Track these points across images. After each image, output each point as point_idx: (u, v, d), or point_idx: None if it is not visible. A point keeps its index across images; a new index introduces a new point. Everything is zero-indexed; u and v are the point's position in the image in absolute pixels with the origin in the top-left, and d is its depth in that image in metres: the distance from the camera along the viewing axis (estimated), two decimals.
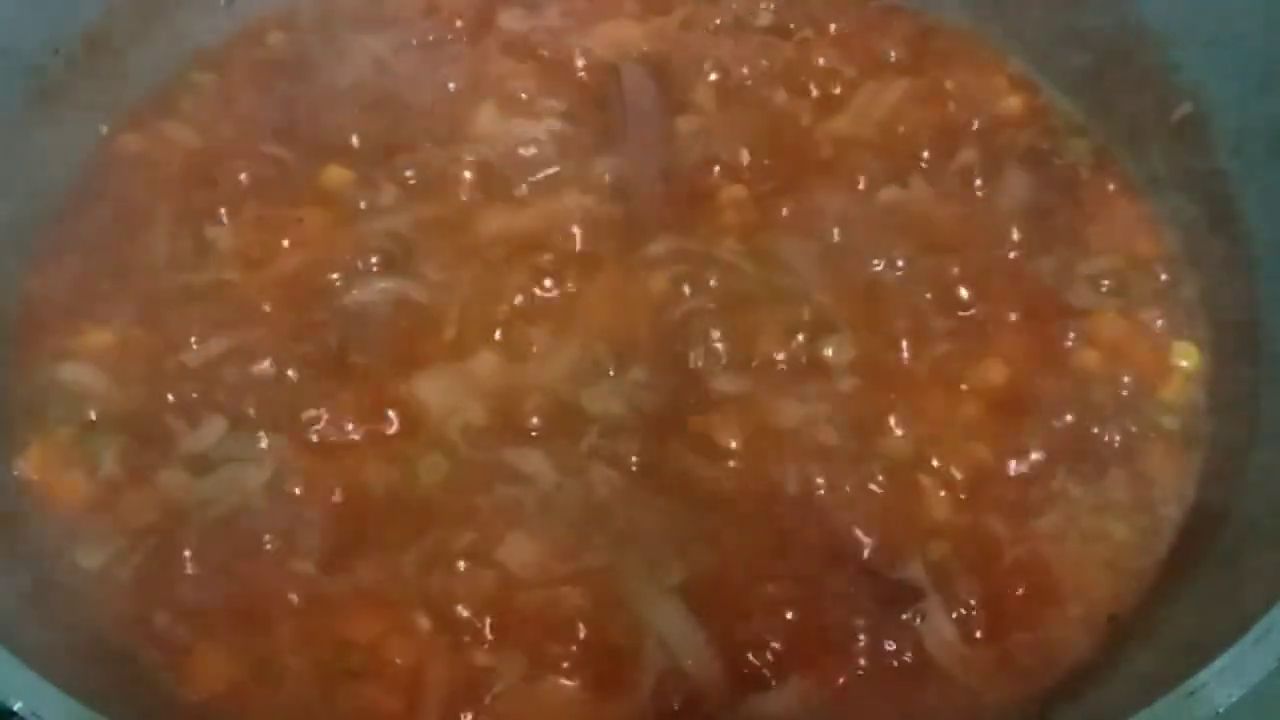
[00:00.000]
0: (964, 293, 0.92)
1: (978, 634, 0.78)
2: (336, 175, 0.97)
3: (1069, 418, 0.86)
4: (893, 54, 1.06)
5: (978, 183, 0.97)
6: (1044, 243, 0.95)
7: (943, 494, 0.83)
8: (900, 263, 0.93)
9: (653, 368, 0.87)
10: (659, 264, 0.92)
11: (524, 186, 0.97)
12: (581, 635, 0.77)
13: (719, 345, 0.88)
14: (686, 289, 0.91)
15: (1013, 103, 1.04)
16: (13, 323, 0.90)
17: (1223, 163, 0.95)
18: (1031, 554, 0.82)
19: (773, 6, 1.08)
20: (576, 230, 0.94)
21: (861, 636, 0.77)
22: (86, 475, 0.84)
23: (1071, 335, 0.90)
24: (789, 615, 0.78)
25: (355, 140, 0.99)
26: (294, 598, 0.79)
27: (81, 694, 0.64)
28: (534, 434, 0.85)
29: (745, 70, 1.04)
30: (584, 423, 0.85)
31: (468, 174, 0.97)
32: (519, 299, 0.90)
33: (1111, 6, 1.02)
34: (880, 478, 0.83)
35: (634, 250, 0.93)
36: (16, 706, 0.63)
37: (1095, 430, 0.86)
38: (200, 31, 1.06)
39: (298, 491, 0.82)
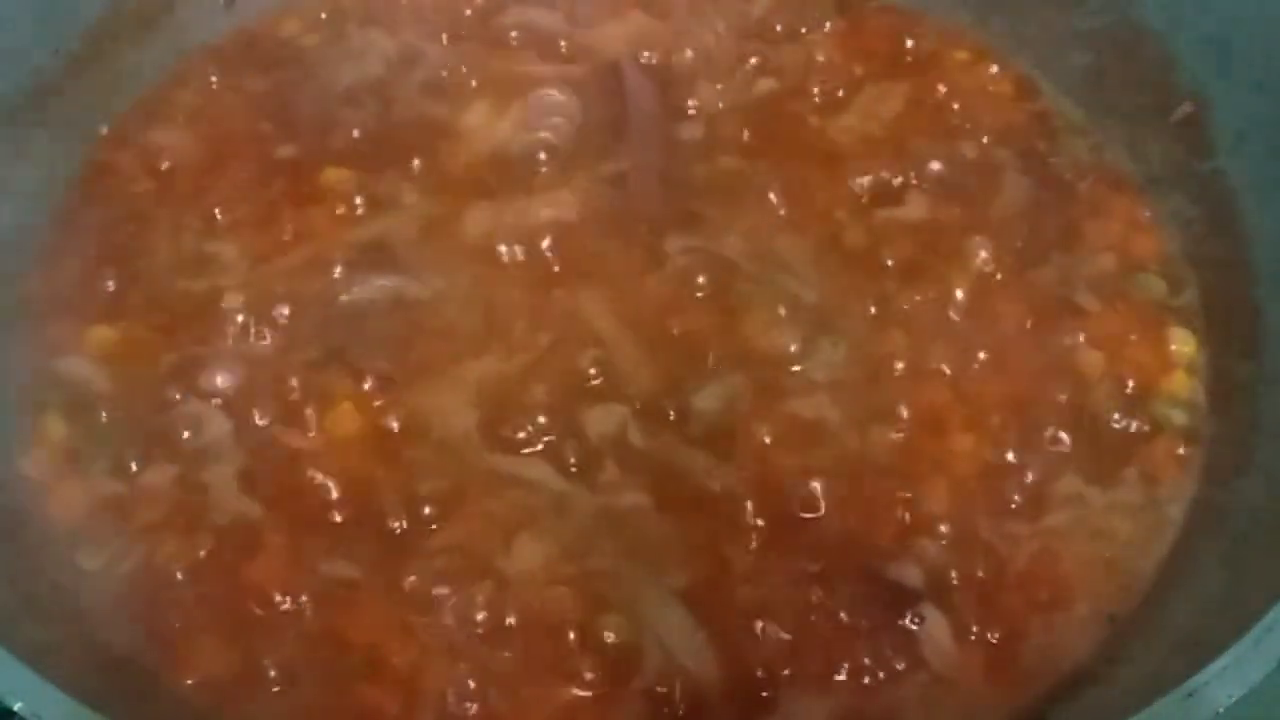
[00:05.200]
0: (964, 292, 0.92)
1: (977, 635, 0.78)
2: (336, 174, 0.97)
3: (1069, 417, 0.86)
4: (893, 54, 1.06)
5: (977, 183, 0.97)
6: (1044, 242, 0.95)
7: (943, 495, 0.83)
8: (900, 262, 0.93)
9: (653, 368, 0.87)
10: (660, 264, 0.92)
11: (525, 186, 0.96)
12: (582, 636, 0.77)
13: (719, 346, 0.88)
14: (688, 289, 0.91)
15: (1012, 103, 1.04)
16: (13, 323, 0.90)
17: (1223, 163, 0.95)
18: (1031, 555, 0.82)
19: (774, 7, 1.08)
20: (576, 230, 0.94)
21: (861, 638, 0.77)
22: (87, 475, 0.84)
23: (1072, 335, 0.90)
24: (789, 617, 0.78)
25: (355, 139, 0.99)
26: (293, 598, 0.79)
27: (81, 694, 0.64)
28: (535, 436, 0.84)
29: (747, 71, 1.04)
30: (586, 424, 0.85)
31: (468, 173, 0.97)
32: (520, 299, 0.90)
33: (1111, 6, 1.02)
34: (881, 478, 0.83)
35: (635, 250, 0.93)
36: (16, 706, 0.63)
37: (1095, 430, 0.86)
38: (200, 31, 1.06)
39: (299, 492, 0.82)
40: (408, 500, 0.82)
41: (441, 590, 0.78)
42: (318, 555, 0.80)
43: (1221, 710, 0.64)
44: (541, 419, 0.85)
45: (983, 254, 0.94)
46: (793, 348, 0.88)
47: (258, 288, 0.91)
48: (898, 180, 0.97)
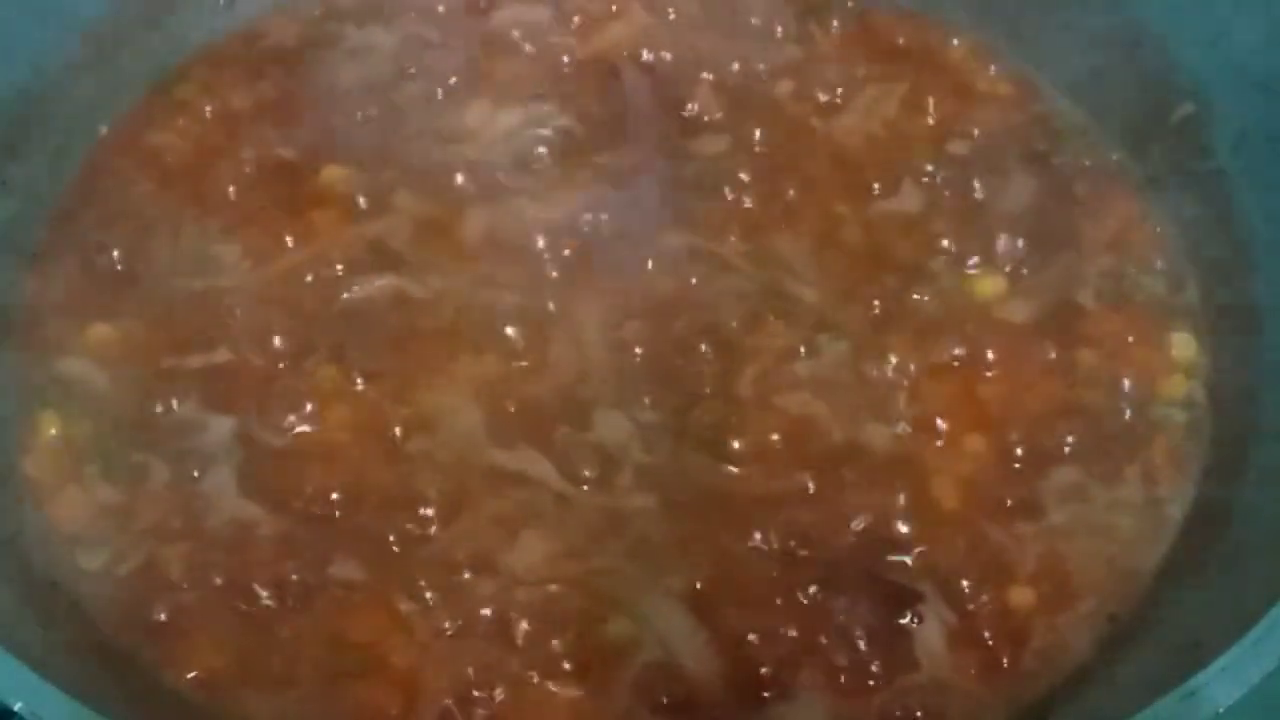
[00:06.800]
0: (963, 291, 0.92)
1: (977, 634, 0.78)
2: (336, 174, 0.97)
3: (1069, 417, 0.86)
4: (894, 54, 1.06)
5: (977, 184, 0.97)
6: (1044, 242, 0.95)
7: (943, 494, 0.83)
8: (900, 262, 0.93)
9: (653, 368, 0.87)
10: (659, 263, 0.92)
11: (524, 185, 0.96)
12: (583, 636, 0.77)
13: (719, 345, 0.88)
14: (687, 289, 0.91)
15: (1012, 103, 1.04)
16: (13, 323, 0.90)
17: (1223, 163, 0.95)
18: (1032, 554, 0.82)
19: (774, 6, 1.08)
20: (575, 230, 0.94)
21: (861, 638, 0.77)
22: (86, 475, 0.83)
23: (1072, 334, 0.90)
24: (790, 617, 0.78)
25: (355, 139, 0.99)
26: (293, 598, 0.79)
27: (81, 694, 0.63)
28: (536, 435, 0.84)
29: (746, 71, 1.04)
30: (586, 424, 0.85)
31: (467, 173, 0.97)
32: (519, 299, 0.90)
33: (1111, 6, 1.02)
34: (881, 477, 0.83)
35: (634, 250, 0.93)
36: (16, 706, 0.63)
37: (1095, 429, 0.86)
38: (200, 31, 1.05)
39: (299, 491, 0.82)
40: (409, 500, 0.82)
41: (442, 589, 0.78)
42: (318, 554, 0.80)
43: (1221, 710, 0.64)
44: (542, 418, 0.85)
45: (982, 254, 0.94)
46: (793, 347, 0.88)
47: (258, 288, 0.91)
48: (897, 180, 0.97)
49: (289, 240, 0.93)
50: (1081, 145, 1.01)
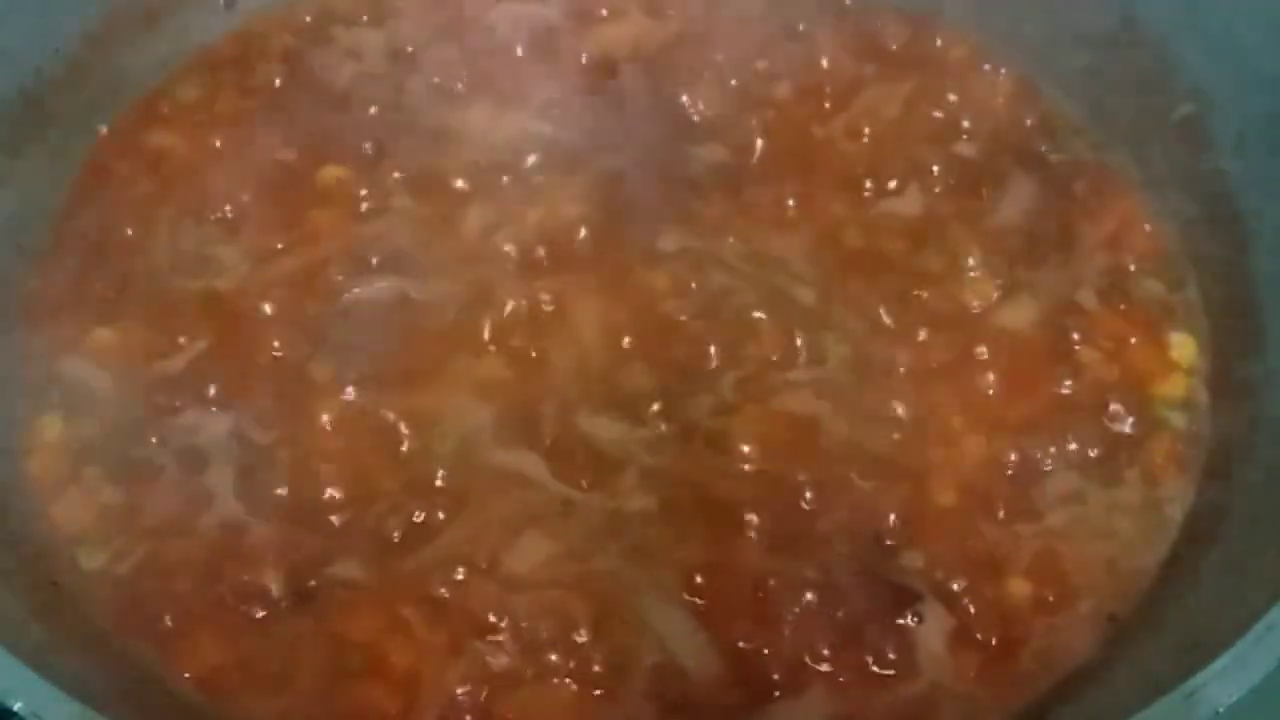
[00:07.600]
0: (963, 292, 0.92)
1: (976, 634, 0.78)
2: (335, 175, 0.97)
3: (1069, 417, 0.86)
4: (894, 55, 1.06)
5: (977, 183, 0.97)
6: (1044, 242, 0.95)
7: (943, 495, 0.83)
8: (899, 263, 0.93)
9: (652, 368, 0.87)
10: (659, 264, 0.92)
11: (523, 186, 0.96)
12: (583, 637, 0.77)
13: (718, 346, 0.88)
14: (686, 289, 0.91)
15: (1013, 103, 1.03)
16: (13, 323, 0.90)
17: (1223, 163, 0.95)
18: (1032, 554, 0.82)
19: (775, 7, 1.08)
20: (575, 231, 0.94)
21: (861, 637, 0.77)
22: (87, 475, 0.84)
23: (1072, 335, 0.90)
24: (789, 617, 0.78)
25: (354, 140, 0.99)
26: (293, 598, 0.79)
27: (81, 694, 0.64)
28: (535, 436, 0.84)
29: (746, 71, 1.04)
30: (586, 424, 0.85)
31: (466, 173, 0.97)
32: (519, 300, 0.90)
33: (1111, 6, 1.02)
34: (881, 478, 0.83)
35: (634, 251, 0.93)
36: (16, 706, 0.63)
37: (1095, 430, 0.86)
38: (200, 32, 1.06)
39: (299, 492, 0.82)
40: (409, 500, 0.82)
41: (442, 590, 0.78)
42: (318, 554, 0.80)
43: (1221, 710, 0.64)
44: (542, 419, 0.85)
45: (982, 254, 0.94)
46: (792, 347, 0.88)
47: (257, 288, 0.91)
48: (897, 180, 0.97)
49: (288, 241, 0.93)
50: (1081, 145, 1.01)
